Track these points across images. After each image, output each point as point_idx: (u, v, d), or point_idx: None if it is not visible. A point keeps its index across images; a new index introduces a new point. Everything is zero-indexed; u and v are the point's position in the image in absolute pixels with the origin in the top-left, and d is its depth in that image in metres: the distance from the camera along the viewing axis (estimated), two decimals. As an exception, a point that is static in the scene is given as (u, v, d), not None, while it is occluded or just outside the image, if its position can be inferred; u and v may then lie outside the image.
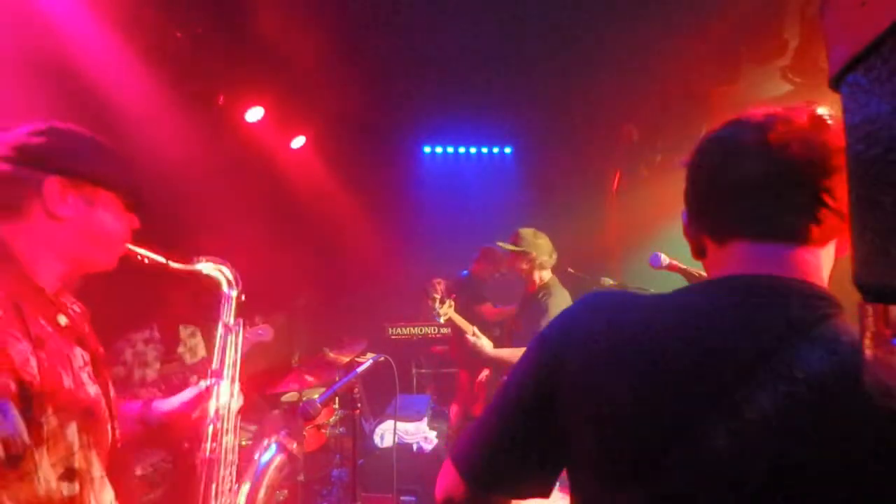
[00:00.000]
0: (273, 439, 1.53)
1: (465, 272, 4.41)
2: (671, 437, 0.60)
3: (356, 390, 2.04)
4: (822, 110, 0.68)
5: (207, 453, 1.22)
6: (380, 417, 3.50)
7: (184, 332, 3.19)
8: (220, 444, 1.24)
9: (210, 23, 3.19)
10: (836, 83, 0.35)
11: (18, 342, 0.82)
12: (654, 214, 4.70)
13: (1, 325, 0.81)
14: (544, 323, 2.73)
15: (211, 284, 1.38)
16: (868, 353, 0.32)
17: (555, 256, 2.94)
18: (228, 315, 1.39)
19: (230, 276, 1.41)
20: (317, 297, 5.64)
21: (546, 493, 0.78)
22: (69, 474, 0.87)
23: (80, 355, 0.97)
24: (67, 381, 0.90)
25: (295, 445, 1.55)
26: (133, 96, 2.93)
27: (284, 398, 3.40)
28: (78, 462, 0.89)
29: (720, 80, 3.64)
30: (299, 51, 3.54)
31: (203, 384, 1.29)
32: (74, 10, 2.52)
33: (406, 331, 4.62)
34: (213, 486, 1.23)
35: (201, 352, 3.29)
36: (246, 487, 1.41)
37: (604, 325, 0.70)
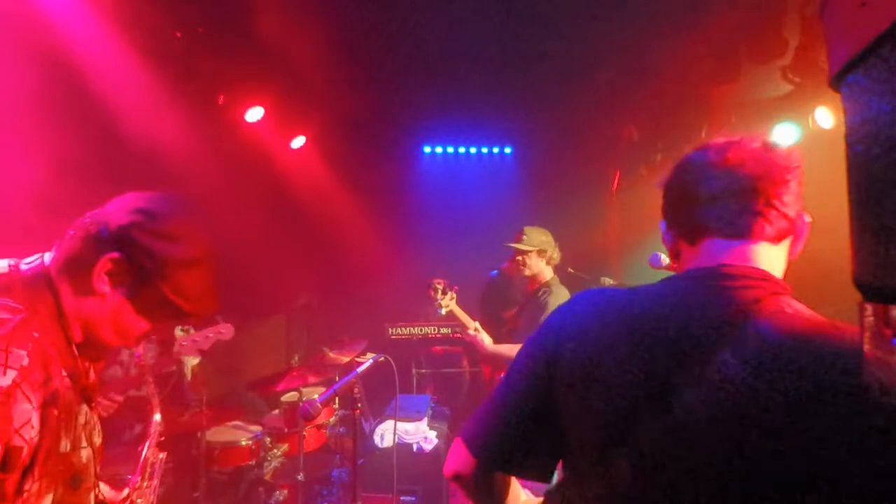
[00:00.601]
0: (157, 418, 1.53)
1: (494, 272, 4.39)
2: (644, 401, 0.73)
3: (356, 390, 2.04)
4: (770, 138, 0.85)
5: None
6: (380, 417, 3.49)
7: (178, 330, 3.19)
8: None
9: (210, 23, 3.19)
10: (836, 83, 0.36)
11: (27, 401, 0.78)
12: (654, 214, 4.67)
13: (19, 379, 0.77)
14: (543, 320, 2.73)
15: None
16: (868, 352, 0.32)
17: (558, 254, 2.97)
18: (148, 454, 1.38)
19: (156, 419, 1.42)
20: (317, 297, 5.64)
21: (546, 478, 0.88)
22: None
23: (84, 413, 0.94)
24: (64, 444, 0.86)
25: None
26: (133, 96, 2.93)
27: (284, 398, 3.40)
28: None
29: (720, 79, 3.63)
30: (299, 51, 3.54)
31: (123, 495, 1.24)
32: (75, 10, 2.52)
33: (406, 331, 4.62)
34: None
35: (196, 358, 3.28)
36: None
37: (592, 314, 0.85)
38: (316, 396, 1.78)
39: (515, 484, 0.99)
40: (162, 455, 1.43)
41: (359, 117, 5.03)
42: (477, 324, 2.89)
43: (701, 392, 0.69)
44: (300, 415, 1.77)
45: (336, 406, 3.45)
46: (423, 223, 5.84)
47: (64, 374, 0.87)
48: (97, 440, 1.01)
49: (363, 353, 3.44)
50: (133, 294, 0.94)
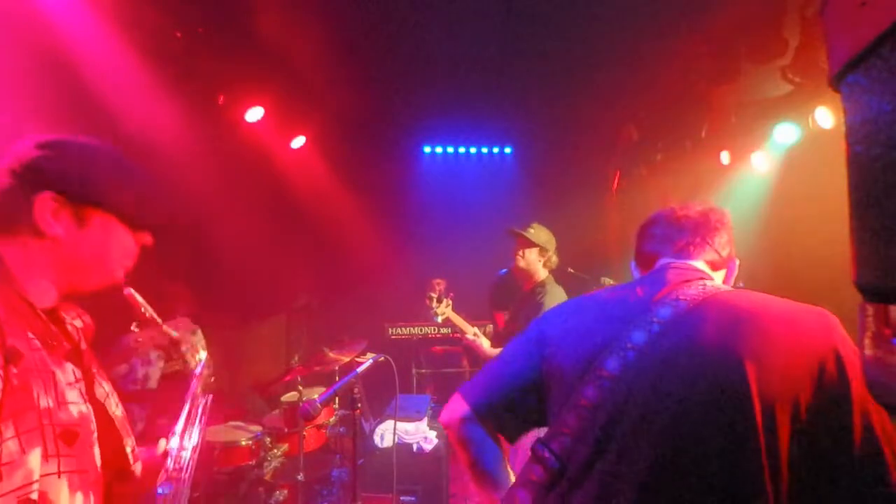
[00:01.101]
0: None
1: (503, 270, 4.38)
2: (589, 360, 0.96)
3: (356, 390, 2.04)
4: (711, 205, 1.18)
5: None
6: (380, 417, 3.49)
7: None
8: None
9: (210, 23, 3.19)
10: (836, 83, 0.35)
11: None
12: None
13: None
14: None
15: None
16: (868, 352, 0.32)
17: (555, 258, 2.97)
18: (196, 388, 1.34)
19: (202, 357, 1.40)
20: (317, 297, 5.64)
21: (514, 440, 1.11)
22: None
23: (71, 371, 0.92)
24: (45, 401, 0.84)
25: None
26: (133, 96, 2.94)
27: (284, 398, 3.40)
28: (37, 493, 0.80)
29: (720, 79, 3.64)
30: (299, 51, 3.54)
31: (162, 443, 1.23)
32: (75, 10, 2.52)
33: (406, 331, 4.62)
34: None
35: (202, 352, 3.29)
36: None
37: (575, 303, 1.16)
38: (316, 396, 1.78)
39: (502, 455, 1.14)
40: (209, 397, 1.39)
41: (359, 117, 5.03)
42: (476, 329, 2.88)
43: (621, 362, 0.92)
44: (300, 415, 1.77)
45: (336, 406, 3.45)
46: (423, 223, 5.84)
47: (30, 335, 0.86)
48: (109, 400, 1.02)
49: (363, 353, 3.44)
50: (82, 224, 0.93)
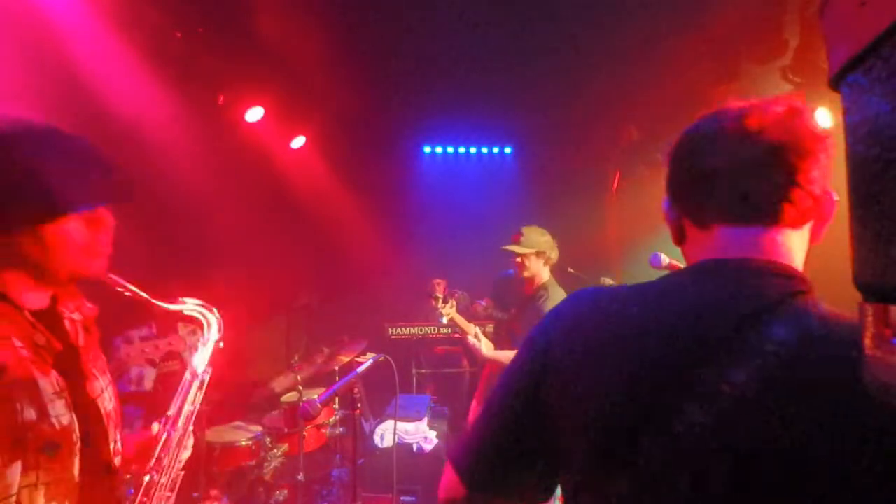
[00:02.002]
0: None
1: (509, 271, 4.39)
2: (646, 415, 0.63)
3: (356, 390, 2.03)
4: (798, 102, 0.71)
5: None
6: (380, 417, 3.49)
7: (183, 330, 3.20)
8: (151, 500, 1.13)
9: (210, 23, 3.19)
10: (836, 83, 0.35)
11: None
12: (654, 214, 4.68)
13: None
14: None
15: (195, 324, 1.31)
16: (868, 352, 0.32)
17: (556, 254, 2.91)
18: (199, 361, 1.30)
19: (214, 322, 1.32)
20: (317, 297, 5.64)
21: (546, 497, 0.79)
22: None
23: (55, 381, 0.91)
24: (26, 414, 0.84)
25: None
26: (133, 96, 2.93)
27: (284, 398, 3.40)
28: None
29: (720, 80, 3.63)
30: (299, 51, 3.54)
31: (155, 427, 1.21)
32: (75, 10, 2.52)
33: (406, 331, 4.62)
34: None
35: (208, 346, 3.29)
36: None
37: (585, 317, 0.74)
38: (316, 396, 1.78)
39: None
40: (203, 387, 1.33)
41: (359, 117, 5.03)
42: (477, 329, 2.86)
43: (709, 404, 0.59)
44: (300, 415, 1.77)
45: (336, 406, 3.45)
46: (423, 223, 5.84)
47: (17, 343, 0.87)
48: (101, 395, 1.01)
49: (363, 353, 3.44)
50: (27, 213, 0.90)
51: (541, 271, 2.87)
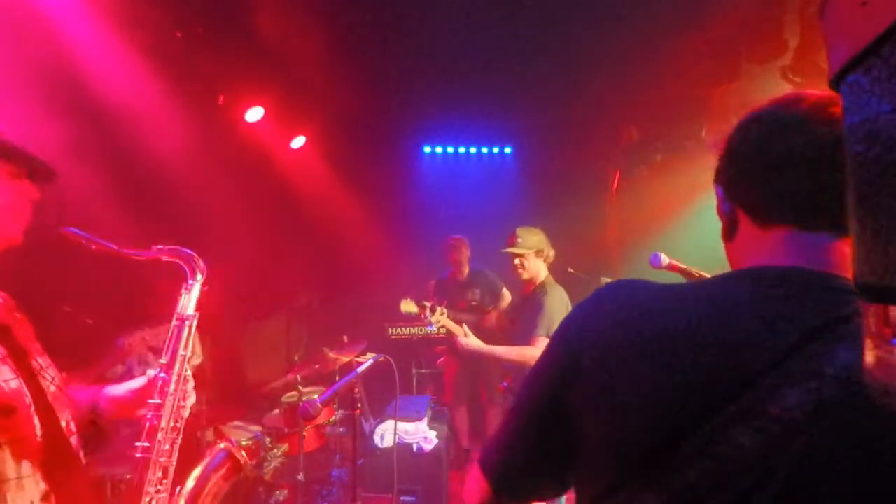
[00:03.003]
0: (222, 446, 1.46)
1: (445, 273, 4.43)
2: (686, 430, 0.57)
3: (356, 390, 2.04)
4: None
5: (139, 451, 1.14)
6: (380, 417, 3.49)
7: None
8: (153, 443, 1.15)
9: (210, 23, 3.19)
10: (836, 83, 0.35)
11: None
12: (654, 214, 4.70)
13: None
14: (540, 321, 2.77)
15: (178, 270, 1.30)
16: (868, 353, 0.32)
17: (552, 252, 2.94)
18: (187, 305, 1.29)
19: (195, 264, 1.31)
20: (317, 297, 5.64)
21: (559, 494, 0.79)
22: None
23: None
24: None
25: (244, 454, 1.46)
26: (133, 96, 2.94)
27: (284, 398, 3.40)
28: None
29: (720, 80, 3.64)
30: (299, 51, 3.54)
31: (150, 373, 1.23)
32: (75, 10, 2.52)
33: (406, 331, 4.62)
34: (144, 486, 1.14)
35: (200, 353, 3.30)
36: (187, 489, 1.28)
37: (621, 317, 0.67)
38: (316, 396, 1.78)
39: None
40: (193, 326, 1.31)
41: (359, 117, 5.03)
42: (465, 328, 2.92)
43: (757, 431, 0.54)
44: (300, 415, 1.77)
45: (336, 406, 3.45)
46: (423, 223, 5.84)
47: None
48: (45, 373, 1.04)
49: (363, 353, 3.44)
50: None
51: (539, 270, 2.91)
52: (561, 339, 0.73)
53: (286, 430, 3.23)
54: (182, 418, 1.23)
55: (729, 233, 0.71)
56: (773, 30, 3.18)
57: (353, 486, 2.03)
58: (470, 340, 2.83)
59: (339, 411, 3.46)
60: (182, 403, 1.23)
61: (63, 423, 1.06)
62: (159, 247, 1.24)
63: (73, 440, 1.08)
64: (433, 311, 3.08)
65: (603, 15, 3.33)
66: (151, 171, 3.17)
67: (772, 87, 3.54)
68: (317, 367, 3.41)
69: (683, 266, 1.90)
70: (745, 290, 0.62)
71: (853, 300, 0.57)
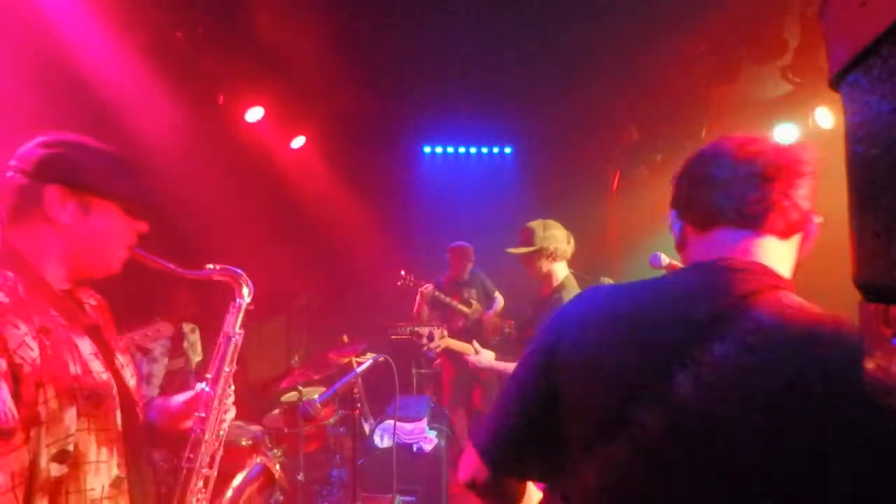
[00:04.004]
0: (258, 459, 1.48)
1: (441, 277, 4.45)
2: (640, 390, 0.73)
3: (356, 390, 2.04)
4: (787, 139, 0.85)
5: (184, 462, 1.20)
6: (380, 417, 3.49)
7: (185, 327, 3.21)
8: (197, 454, 1.21)
9: (210, 23, 3.19)
10: (836, 83, 0.35)
11: (16, 328, 0.90)
12: (654, 214, 4.69)
13: (2, 311, 0.89)
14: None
15: (225, 289, 1.35)
16: (868, 352, 0.32)
17: (573, 242, 2.62)
18: (233, 324, 1.34)
19: (243, 284, 1.36)
20: (317, 298, 5.64)
21: (558, 475, 0.89)
22: (61, 456, 0.92)
23: (89, 344, 1.04)
24: (73, 368, 0.97)
25: (278, 468, 1.48)
26: (133, 96, 2.94)
27: (284, 398, 3.40)
28: (73, 445, 0.94)
29: (720, 79, 3.64)
30: (299, 51, 3.54)
31: (199, 387, 1.28)
32: (75, 10, 2.52)
33: (406, 331, 4.61)
34: (188, 496, 1.20)
35: (200, 351, 3.31)
36: (225, 499, 1.34)
37: (594, 309, 0.86)
38: (316, 396, 1.78)
39: (530, 485, 1.00)
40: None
41: (359, 117, 5.03)
42: (476, 344, 2.62)
43: (695, 383, 0.69)
44: (300, 415, 1.77)
45: (336, 406, 3.44)
46: (423, 223, 5.84)
47: (53, 312, 0.99)
48: (125, 371, 1.14)
49: (363, 353, 3.44)
50: (86, 211, 1.05)
51: (553, 269, 2.58)
52: (545, 332, 0.89)
53: (286, 430, 3.22)
54: (224, 430, 1.28)
55: (681, 244, 0.91)
56: (773, 30, 3.17)
57: (352, 486, 2.03)
58: (482, 358, 2.55)
59: (339, 411, 3.46)
60: (223, 417, 1.28)
61: (139, 417, 1.16)
62: (211, 266, 1.30)
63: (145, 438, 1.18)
64: (431, 338, 2.77)
65: (603, 15, 3.33)
66: (151, 171, 3.17)
67: (772, 87, 3.55)
68: (316, 377, 3.42)
69: (683, 266, 1.90)
70: (681, 278, 0.84)
71: (768, 279, 0.76)
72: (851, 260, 0.34)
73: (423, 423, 3.32)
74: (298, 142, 4.82)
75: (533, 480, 0.94)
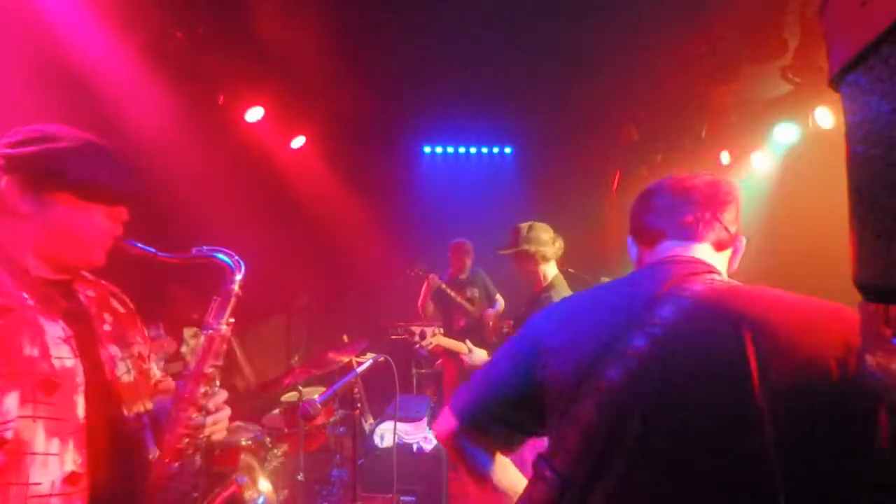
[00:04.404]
0: (236, 478, 1.44)
1: (444, 275, 4.46)
2: (585, 371, 0.87)
3: (356, 390, 2.04)
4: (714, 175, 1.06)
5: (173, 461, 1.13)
6: (380, 417, 3.49)
7: (187, 332, 3.20)
8: (184, 452, 1.14)
9: (210, 23, 3.19)
10: (836, 83, 0.35)
11: None
12: (654, 214, 4.69)
13: None
14: None
15: (218, 274, 1.24)
16: (868, 352, 0.32)
17: (559, 244, 2.68)
18: (217, 314, 1.22)
19: (235, 266, 1.24)
20: (317, 298, 5.64)
21: (512, 449, 1.06)
22: None
23: (61, 328, 1.00)
24: (28, 350, 0.93)
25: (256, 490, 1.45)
26: (133, 96, 2.93)
27: (284, 398, 3.39)
28: (12, 433, 0.87)
29: (720, 79, 3.63)
30: (299, 51, 3.54)
31: (171, 384, 1.24)
32: (75, 10, 2.52)
33: (406, 331, 4.60)
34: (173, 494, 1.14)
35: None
36: None
37: (570, 302, 1.08)
38: (316, 396, 1.79)
39: (505, 459, 1.07)
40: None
41: (359, 117, 5.03)
42: (469, 343, 2.72)
43: (648, 342, 0.83)
44: (300, 415, 1.77)
45: (336, 406, 3.44)
46: (423, 223, 5.84)
47: (25, 295, 0.98)
48: (112, 363, 1.09)
49: (363, 353, 3.44)
50: (45, 202, 1.02)
51: (541, 270, 2.65)
52: (528, 328, 1.04)
53: (286, 430, 3.22)
54: (225, 407, 1.25)
55: (638, 262, 1.09)
56: (773, 30, 3.17)
57: (353, 486, 2.03)
58: (475, 356, 2.65)
59: (339, 411, 3.46)
60: (218, 403, 1.23)
61: (129, 413, 1.09)
62: (197, 249, 1.21)
63: (145, 433, 1.12)
64: (423, 336, 2.85)
65: (603, 15, 3.33)
66: (150, 171, 3.17)
67: (772, 87, 3.55)
68: (316, 373, 3.41)
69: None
70: (635, 274, 1.04)
71: (699, 266, 0.94)
72: (851, 260, 0.34)
73: (423, 423, 3.32)
74: (298, 142, 4.81)
75: (493, 443, 1.04)
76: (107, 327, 1.13)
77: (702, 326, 0.81)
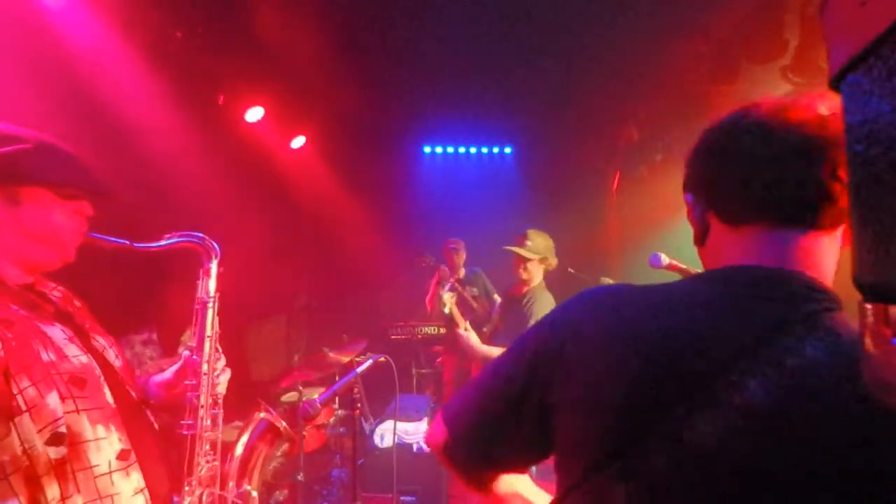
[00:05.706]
0: (261, 415, 1.53)
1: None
2: (653, 420, 0.61)
3: (356, 390, 2.04)
4: (834, 101, 0.65)
5: (184, 429, 1.23)
6: (380, 417, 3.49)
7: (186, 335, 3.20)
8: (196, 420, 1.23)
9: (210, 23, 3.19)
10: (836, 83, 0.35)
11: None
12: (654, 214, 4.70)
13: None
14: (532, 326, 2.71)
15: (193, 256, 1.34)
16: (868, 352, 0.32)
17: (555, 259, 2.94)
18: (206, 289, 1.33)
19: (208, 246, 1.34)
20: (317, 298, 5.64)
21: (520, 471, 0.84)
22: (55, 439, 0.94)
23: (60, 330, 1.05)
24: (46, 355, 0.98)
25: (283, 423, 1.51)
26: (133, 96, 2.93)
27: (284, 398, 3.39)
28: (65, 427, 0.95)
29: (720, 79, 3.63)
30: (299, 50, 3.54)
31: (185, 354, 1.29)
32: (74, 9, 2.52)
33: (406, 331, 4.61)
34: (196, 460, 1.23)
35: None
36: (237, 455, 1.44)
37: (601, 317, 0.71)
38: (316, 396, 1.78)
39: (513, 478, 0.91)
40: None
41: (359, 117, 5.02)
42: (467, 323, 2.92)
43: (719, 424, 0.57)
44: (300, 415, 1.77)
45: (336, 406, 3.44)
46: (423, 223, 5.84)
47: (14, 307, 1.00)
48: (108, 352, 1.16)
49: (363, 353, 3.44)
50: (16, 201, 1.03)
51: (536, 275, 2.89)
52: (550, 325, 0.76)
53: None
54: (219, 394, 1.31)
55: (701, 237, 0.74)
56: (773, 30, 3.17)
57: (353, 486, 2.03)
58: (469, 335, 2.83)
59: (339, 411, 3.46)
60: (217, 381, 1.29)
61: (133, 392, 1.18)
62: (170, 235, 1.27)
63: (146, 410, 1.21)
64: (453, 289, 3.21)
65: (603, 15, 3.33)
66: (150, 171, 3.17)
67: (772, 87, 3.54)
68: (317, 374, 3.41)
69: (683, 266, 1.90)
70: (715, 289, 0.67)
71: (818, 298, 0.62)
72: (851, 260, 0.34)
73: (424, 423, 3.32)
74: (298, 142, 4.81)
75: (484, 463, 0.83)
76: (85, 322, 1.18)
77: (824, 416, 0.54)
